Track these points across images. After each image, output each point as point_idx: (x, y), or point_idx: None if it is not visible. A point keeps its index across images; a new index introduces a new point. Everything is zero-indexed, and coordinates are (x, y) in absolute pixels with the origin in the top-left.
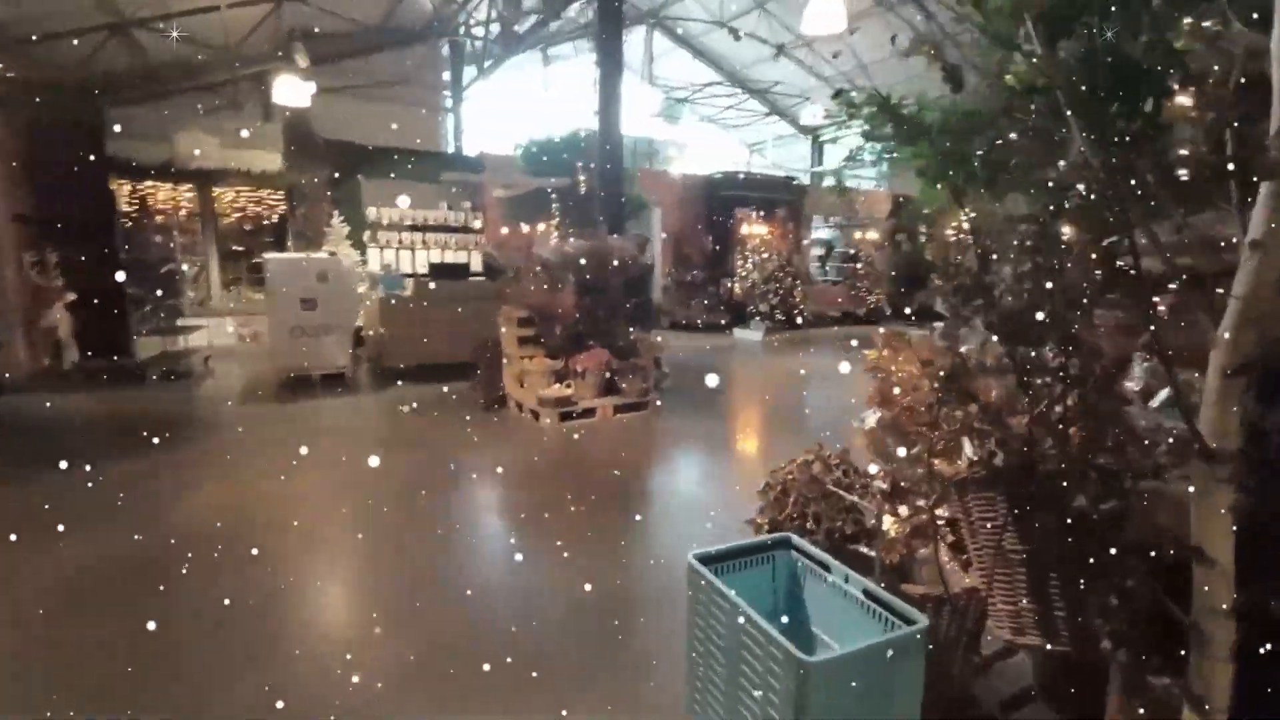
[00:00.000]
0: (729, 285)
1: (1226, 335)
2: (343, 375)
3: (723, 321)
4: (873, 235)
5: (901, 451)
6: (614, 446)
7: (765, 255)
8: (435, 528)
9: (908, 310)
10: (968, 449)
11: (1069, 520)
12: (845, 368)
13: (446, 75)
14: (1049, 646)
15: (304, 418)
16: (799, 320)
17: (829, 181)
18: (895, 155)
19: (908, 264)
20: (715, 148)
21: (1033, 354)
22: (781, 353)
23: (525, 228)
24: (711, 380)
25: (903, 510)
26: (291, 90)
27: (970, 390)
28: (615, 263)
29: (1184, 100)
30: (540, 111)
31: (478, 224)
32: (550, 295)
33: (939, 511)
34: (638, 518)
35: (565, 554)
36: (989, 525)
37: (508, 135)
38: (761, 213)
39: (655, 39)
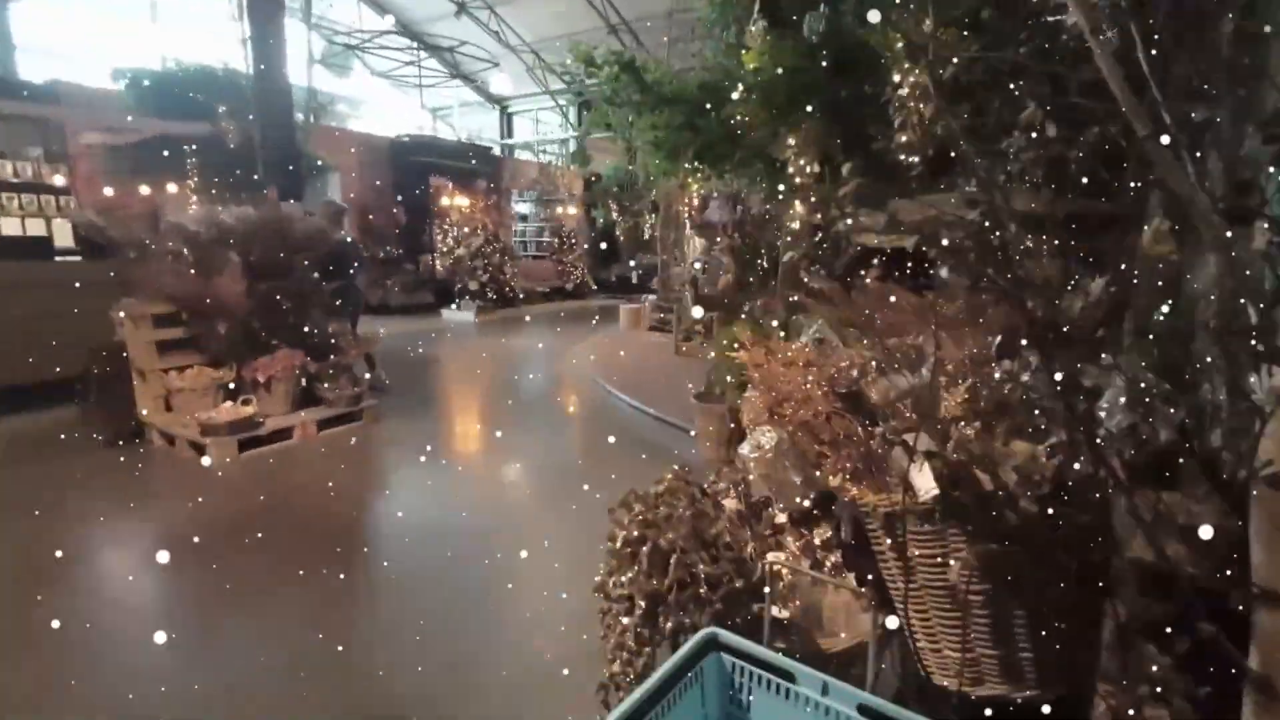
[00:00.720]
0: (430, 262)
1: None
2: None
3: (428, 302)
4: (572, 211)
5: (799, 480)
6: (325, 478)
7: (469, 229)
8: (49, 675)
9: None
10: (922, 479)
11: (1078, 559)
12: (576, 346)
13: None
14: (1018, 696)
15: None
16: (510, 298)
17: (522, 154)
18: (615, 129)
19: (603, 239)
20: (394, 109)
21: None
22: (500, 333)
23: (146, 189)
24: (432, 372)
25: (790, 541)
26: None
27: (870, 405)
28: (300, 238)
29: (903, 92)
30: (151, 36)
31: (60, 180)
32: (204, 282)
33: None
34: (381, 594)
35: (283, 680)
36: (938, 562)
37: (102, 63)
38: (459, 183)
39: None
